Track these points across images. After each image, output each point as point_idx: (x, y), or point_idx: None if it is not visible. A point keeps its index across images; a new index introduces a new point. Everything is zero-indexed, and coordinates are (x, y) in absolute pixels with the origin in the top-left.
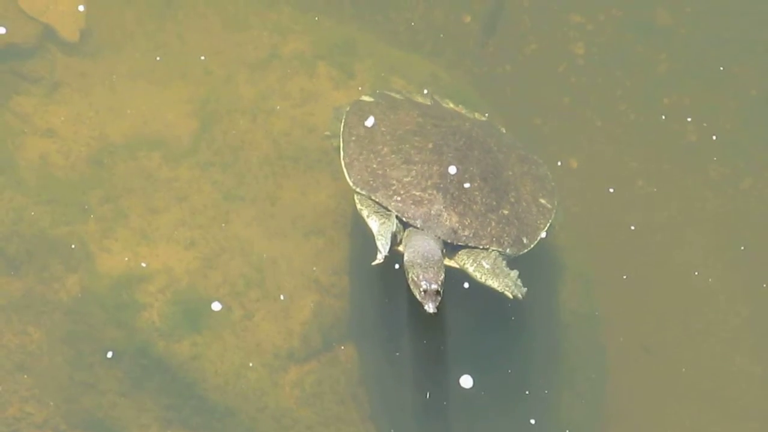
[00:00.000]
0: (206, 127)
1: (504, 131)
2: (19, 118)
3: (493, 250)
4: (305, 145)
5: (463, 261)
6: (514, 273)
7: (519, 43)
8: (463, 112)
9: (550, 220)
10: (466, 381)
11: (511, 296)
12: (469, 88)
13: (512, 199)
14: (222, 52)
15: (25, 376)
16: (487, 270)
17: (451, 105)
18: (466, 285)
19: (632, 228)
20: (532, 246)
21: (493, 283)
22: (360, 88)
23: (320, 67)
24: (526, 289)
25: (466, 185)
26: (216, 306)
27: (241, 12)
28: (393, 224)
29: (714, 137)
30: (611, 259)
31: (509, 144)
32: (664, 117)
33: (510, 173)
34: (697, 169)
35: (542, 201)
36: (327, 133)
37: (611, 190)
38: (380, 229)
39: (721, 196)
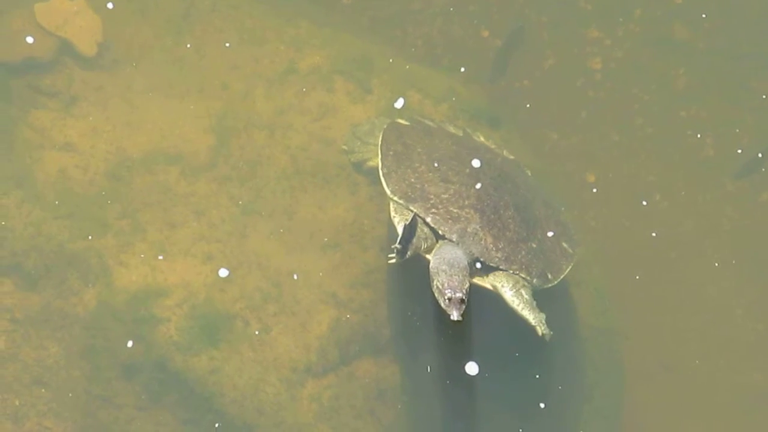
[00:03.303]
0: (224, 141)
1: (529, 173)
2: (37, 132)
3: (521, 278)
4: (322, 159)
5: (501, 282)
6: (543, 315)
7: (537, 58)
8: (493, 147)
9: (571, 264)
10: (472, 376)
11: (540, 333)
12: (487, 102)
13: (539, 236)
14: (239, 66)
15: (43, 391)
16: (526, 300)
17: (482, 138)
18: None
19: (653, 235)
20: (555, 282)
21: (528, 315)
22: (377, 102)
23: (337, 81)
24: (552, 332)
25: (501, 211)
26: (223, 272)
27: (258, 27)
28: (416, 229)
29: (731, 151)
30: (629, 274)
31: (534, 187)
32: (689, 133)
33: (537, 212)
34: (714, 182)
35: (564, 245)
36: (344, 147)
37: (645, 203)
38: (404, 233)
39: (739, 210)
